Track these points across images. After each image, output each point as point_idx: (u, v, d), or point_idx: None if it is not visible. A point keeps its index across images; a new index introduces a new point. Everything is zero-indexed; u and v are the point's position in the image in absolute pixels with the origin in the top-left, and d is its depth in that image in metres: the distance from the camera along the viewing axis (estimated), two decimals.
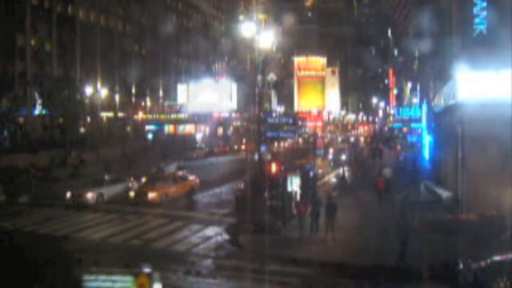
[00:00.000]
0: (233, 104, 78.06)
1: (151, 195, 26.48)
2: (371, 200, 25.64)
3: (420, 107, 36.51)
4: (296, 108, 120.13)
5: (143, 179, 30.19)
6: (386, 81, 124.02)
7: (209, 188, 31.06)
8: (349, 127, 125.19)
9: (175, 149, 52.85)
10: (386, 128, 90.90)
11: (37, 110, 57.02)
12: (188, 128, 74.89)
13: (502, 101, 17.54)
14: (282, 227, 20.18)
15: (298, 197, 23.08)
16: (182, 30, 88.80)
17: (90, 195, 25.87)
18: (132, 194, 27.06)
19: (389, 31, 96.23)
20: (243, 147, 61.53)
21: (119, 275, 6.71)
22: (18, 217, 23.08)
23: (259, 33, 24.05)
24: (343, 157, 37.66)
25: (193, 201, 28.31)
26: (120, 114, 72.39)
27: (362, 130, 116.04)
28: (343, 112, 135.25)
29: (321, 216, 19.47)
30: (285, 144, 64.89)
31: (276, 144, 60.16)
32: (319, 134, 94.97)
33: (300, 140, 70.10)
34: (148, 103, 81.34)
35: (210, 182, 32.48)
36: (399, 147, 53.88)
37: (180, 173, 32.02)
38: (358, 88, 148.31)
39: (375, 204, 24.84)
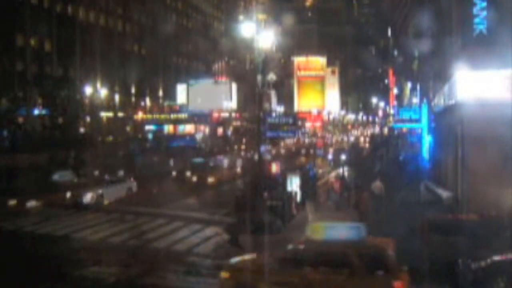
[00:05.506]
0: (233, 104, 78.14)
1: (210, 179, 32.32)
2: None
3: (420, 107, 36.47)
4: (296, 108, 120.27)
5: (188, 171, 34.27)
6: (386, 81, 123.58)
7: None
8: (349, 127, 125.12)
9: (176, 149, 52.83)
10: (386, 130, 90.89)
11: (37, 110, 57.04)
12: (188, 128, 74.87)
13: (502, 101, 17.49)
14: (282, 227, 20.18)
15: (298, 197, 23.23)
16: (182, 30, 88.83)
17: (89, 195, 25.88)
18: (194, 179, 32.46)
19: (389, 31, 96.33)
20: (243, 147, 61.58)
21: None
22: (18, 217, 23.06)
23: (259, 33, 24.00)
24: (343, 157, 37.47)
25: (236, 185, 31.48)
26: (120, 114, 72.38)
27: (360, 131, 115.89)
28: (342, 112, 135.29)
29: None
30: (285, 144, 64.83)
31: (276, 144, 60.13)
32: (319, 134, 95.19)
33: (301, 140, 70.11)
34: (148, 103, 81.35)
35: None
36: (398, 148, 53.80)
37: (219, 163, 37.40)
38: (358, 88, 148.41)
39: None
